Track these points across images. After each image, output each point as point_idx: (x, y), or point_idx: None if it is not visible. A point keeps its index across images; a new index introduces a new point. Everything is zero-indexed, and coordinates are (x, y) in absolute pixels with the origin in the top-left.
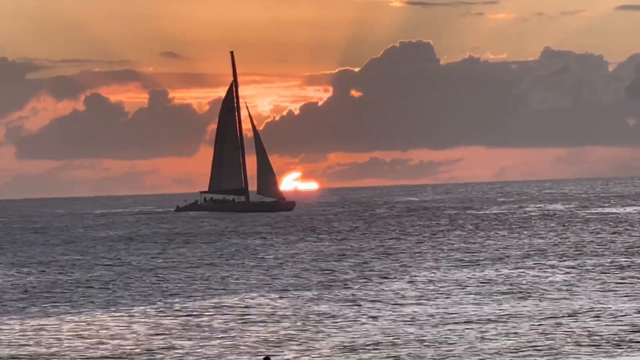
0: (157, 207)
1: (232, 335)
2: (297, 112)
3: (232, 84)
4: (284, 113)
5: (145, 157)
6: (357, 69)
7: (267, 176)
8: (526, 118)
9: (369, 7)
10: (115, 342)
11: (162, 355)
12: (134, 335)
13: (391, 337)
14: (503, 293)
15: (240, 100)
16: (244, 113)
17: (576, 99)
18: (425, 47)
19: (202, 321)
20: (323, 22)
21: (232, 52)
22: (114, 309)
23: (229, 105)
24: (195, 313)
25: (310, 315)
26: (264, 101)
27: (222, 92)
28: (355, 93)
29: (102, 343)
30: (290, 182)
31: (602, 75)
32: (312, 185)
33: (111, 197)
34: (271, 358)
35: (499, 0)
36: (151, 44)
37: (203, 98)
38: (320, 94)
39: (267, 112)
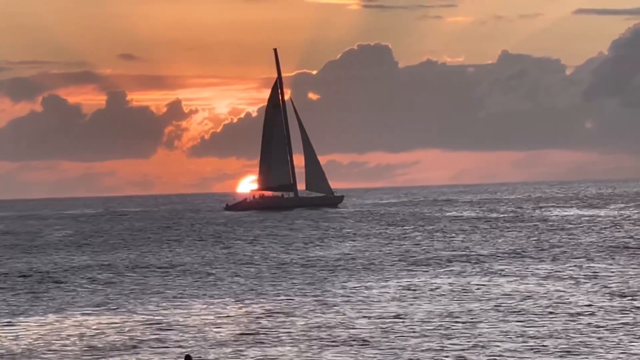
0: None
1: None
2: (254, 114)
3: (276, 81)
4: (242, 115)
5: (102, 158)
6: (314, 72)
7: (316, 171)
8: (483, 121)
9: (327, 10)
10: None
11: None
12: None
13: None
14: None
15: (286, 98)
16: (290, 110)
17: (533, 103)
18: (384, 50)
19: None
20: (281, 25)
21: (275, 50)
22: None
23: (275, 103)
24: None
25: None
26: (221, 103)
27: (180, 94)
28: (312, 96)
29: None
30: (247, 185)
31: (559, 79)
32: None
33: (69, 198)
34: (192, 356)
35: (456, 4)
36: (109, 45)
37: (161, 100)
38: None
39: (224, 114)
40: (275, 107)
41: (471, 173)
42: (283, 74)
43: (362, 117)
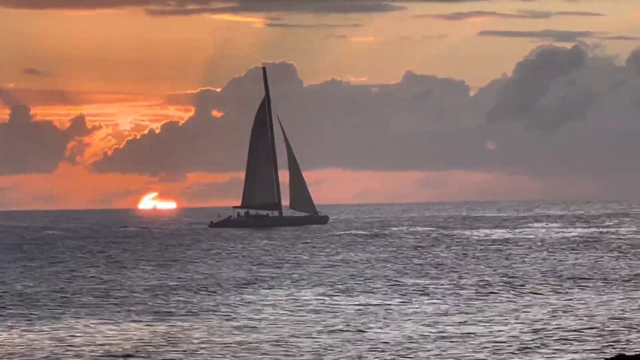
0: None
1: None
2: (157, 131)
3: (264, 99)
4: (145, 132)
5: (5, 173)
6: (218, 89)
7: (300, 190)
8: (387, 141)
9: (231, 28)
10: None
11: None
12: None
13: None
14: None
15: (273, 115)
16: (276, 128)
17: (437, 123)
18: (289, 68)
19: None
20: (186, 42)
21: (264, 68)
22: None
23: (262, 120)
24: None
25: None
26: (125, 119)
27: (83, 109)
28: (216, 113)
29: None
30: (148, 202)
31: (463, 100)
32: (170, 205)
33: None
34: None
35: (362, 24)
36: (13, 60)
37: (64, 115)
38: (182, 114)
39: (127, 130)
40: (262, 126)
41: (375, 193)
42: (185, 91)
43: None
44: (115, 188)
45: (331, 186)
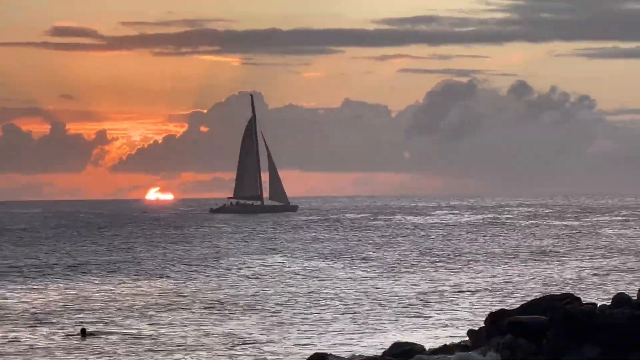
0: (192, 209)
1: None
2: (160, 141)
3: (251, 118)
4: (151, 142)
5: (46, 172)
6: (205, 111)
7: (277, 186)
8: (331, 150)
9: (215, 65)
10: None
11: None
12: None
13: None
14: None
15: (258, 131)
16: (260, 139)
17: (368, 137)
18: (258, 95)
19: None
20: (180, 76)
21: (251, 95)
22: None
23: (250, 134)
24: None
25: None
26: (136, 132)
27: (104, 125)
28: (204, 129)
29: None
30: (153, 194)
31: (387, 120)
32: (168, 197)
33: (17, 202)
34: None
35: (311, 63)
36: (53, 88)
37: (91, 130)
38: (178, 129)
39: (138, 141)
40: (249, 138)
41: (321, 188)
42: (181, 112)
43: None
44: (128, 184)
45: (289, 183)
